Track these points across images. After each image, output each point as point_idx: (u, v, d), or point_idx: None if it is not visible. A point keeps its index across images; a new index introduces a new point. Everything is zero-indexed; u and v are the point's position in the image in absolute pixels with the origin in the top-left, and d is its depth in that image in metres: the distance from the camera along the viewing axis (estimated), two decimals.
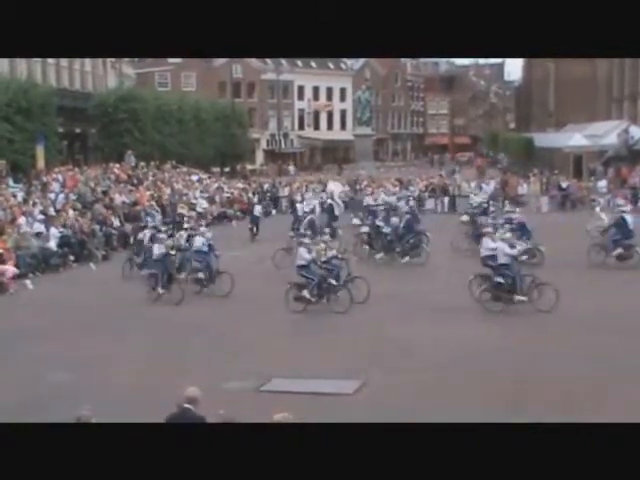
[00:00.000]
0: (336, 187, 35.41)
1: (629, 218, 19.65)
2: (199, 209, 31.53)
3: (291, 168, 62.93)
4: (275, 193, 37.61)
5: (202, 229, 19.81)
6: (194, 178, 37.43)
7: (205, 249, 18.13)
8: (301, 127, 74.76)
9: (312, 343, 13.64)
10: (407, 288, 17.57)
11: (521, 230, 19.43)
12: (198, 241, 18.34)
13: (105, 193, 28.28)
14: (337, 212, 27.82)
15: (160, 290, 17.16)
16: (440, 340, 13.49)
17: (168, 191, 31.84)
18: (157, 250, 17.59)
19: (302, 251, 16.02)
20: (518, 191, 34.63)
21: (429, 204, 35.06)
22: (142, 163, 35.12)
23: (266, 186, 39.20)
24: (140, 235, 20.83)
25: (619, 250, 19.27)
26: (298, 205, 26.92)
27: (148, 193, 29.97)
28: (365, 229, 22.88)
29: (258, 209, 28.52)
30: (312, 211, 25.90)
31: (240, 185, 38.74)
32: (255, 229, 26.97)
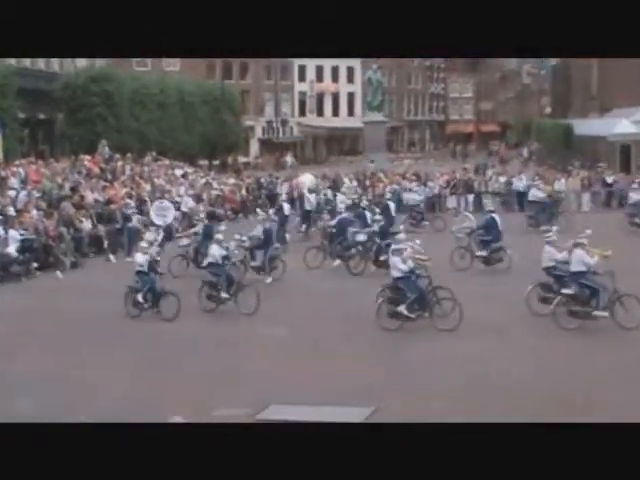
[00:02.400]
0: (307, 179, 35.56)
1: (499, 218, 21.11)
2: (184, 208, 31.47)
3: (289, 160, 62.90)
4: (272, 190, 37.60)
5: (220, 231, 19.37)
6: (178, 172, 37.38)
7: (220, 259, 17.80)
8: (302, 113, 74.79)
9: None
10: None
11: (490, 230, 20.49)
12: (214, 250, 17.96)
13: (74, 190, 28.24)
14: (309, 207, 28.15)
15: (224, 295, 17.29)
16: (466, 360, 13.49)
17: (148, 187, 31.82)
18: (216, 252, 17.59)
19: (396, 261, 15.91)
20: (555, 187, 34.50)
21: (451, 202, 35.02)
22: (117, 155, 35.08)
23: (262, 181, 39.21)
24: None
25: (483, 252, 20.72)
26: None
27: (125, 190, 29.93)
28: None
29: (287, 207, 28.28)
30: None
31: (232, 180, 38.74)
32: (283, 233, 25.87)
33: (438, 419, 9.64)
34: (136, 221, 26.58)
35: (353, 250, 21.91)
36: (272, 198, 36.24)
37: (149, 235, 19.84)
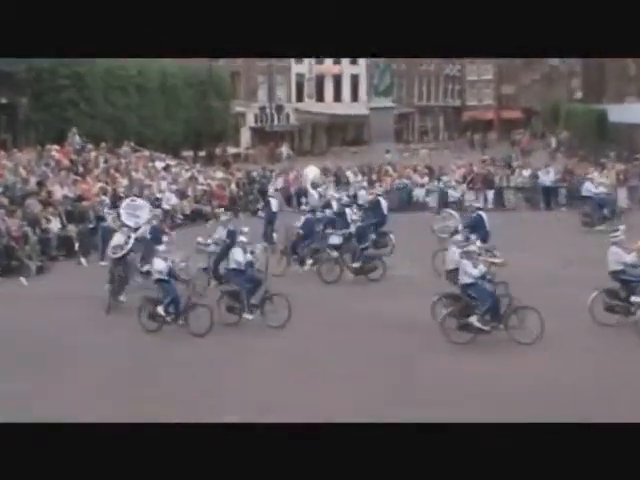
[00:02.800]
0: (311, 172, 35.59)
1: (486, 217, 21.49)
2: (166, 206, 31.52)
3: (285, 151, 62.93)
4: (265, 184, 37.64)
5: (242, 232, 19.01)
6: (159, 165, 37.44)
7: (242, 265, 17.60)
8: (300, 98, 74.81)
9: None
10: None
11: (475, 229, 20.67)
12: (237, 254, 17.79)
13: (41, 184, 28.27)
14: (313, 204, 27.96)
15: (248, 316, 17.11)
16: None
17: (125, 182, 31.86)
18: (240, 256, 17.50)
19: (467, 265, 15.86)
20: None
21: (469, 198, 35.10)
22: (90, 145, 35.15)
23: (254, 175, 39.25)
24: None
25: None
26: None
27: (98, 185, 29.98)
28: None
29: (275, 203, 28.20)
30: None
31: (220, 174, 38.81)
32: (270, 231, 26.46)
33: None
34: (111, 220, 26.55)
35: (324, 254, 21.90)
36: (265, 194, 36.28)
37: (118, 237, 19.61)
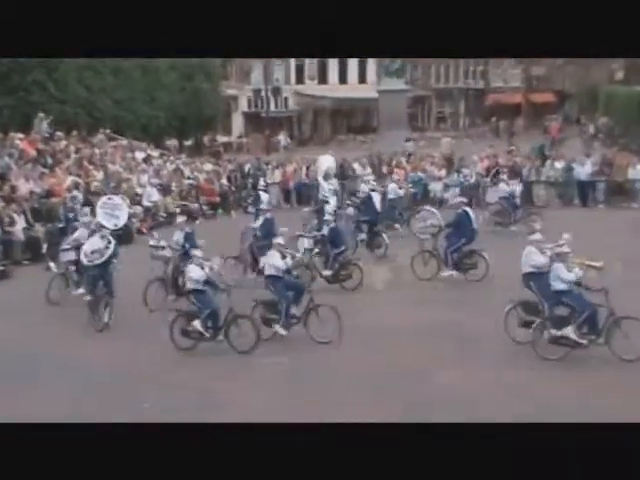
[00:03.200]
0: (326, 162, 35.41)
1: (472, 214, 21.83)
2: (147, 202, 31.46)
3: (282, 139, 62.88)
4: (261, 178, 37.56)
5: (281, 232, 18.93)
6: (139, 156, 37.42)
7: (280, 272, 17.47)
8: (300, 80, 74.84)
9: None
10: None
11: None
12: (274, 258, 17.52)
13: (3, 178, 28.26)
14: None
15: (282, 330, 17.00)
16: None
17: (100, 176, 31.80)
18: (277, 261, 17.30)
19: (560, 268, 15.72)
20: (628, 174, 34.43)
21: (492, 195, 34.97)
22: (60, 133, 35.10)
23: (248, 167, 39.17)
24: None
25: (453, 258, 21.36)
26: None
27: (70, 179, 29.91)
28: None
29: (266, 198, 27.89)
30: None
31: (209, 166, 38.77)
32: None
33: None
34: (84, 219, 26.52)
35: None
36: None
37: (96, 241, 19.13)
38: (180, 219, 22.12)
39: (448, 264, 21.43)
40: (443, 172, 36.69)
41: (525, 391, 14.03)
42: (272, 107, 69.06)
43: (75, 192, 28.13)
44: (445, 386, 14.42)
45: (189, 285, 16.89)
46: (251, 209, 26.90)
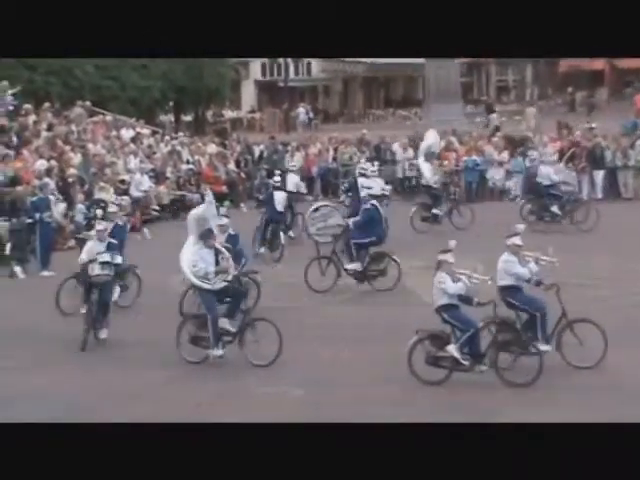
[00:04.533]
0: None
1: (381, 208, 22.46)
2: (136, 192, 31.49)
3: (302, 113, 62.64)
4: (276, 163, 37.57)
5: None
6: (126, 134, 37.51)
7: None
8: None
9: None
10: None
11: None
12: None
13: None
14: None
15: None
16: None
17: (78, 158, 31.87)
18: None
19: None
20: None
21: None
22: (28, 105, 35.23)
23: (261, 148, 39.20)
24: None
25: (356, 265, 21.70)
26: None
27: (40, 162, 29.99)
28: None
29: (281, 198, 27.75)
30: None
31: (212, 148, 38.81)
32: (272, 236, 26.32)
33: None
34: (57, 213, 26.62)
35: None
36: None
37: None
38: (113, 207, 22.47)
39: (353, 257, 21.67)
40: (505, 155, 36.52)
41: None
42: (292, 75, 69.04)
43: (46, 179, 28.16)
44: None
45: (441, 301, 16.58)
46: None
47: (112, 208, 22.67)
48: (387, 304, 20.51)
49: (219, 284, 17.33)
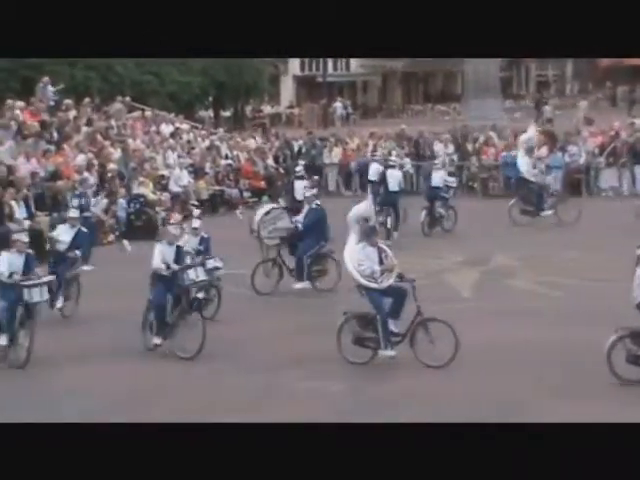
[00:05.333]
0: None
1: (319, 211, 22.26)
2: (175, 187, 31.57)
3: (339, 108, 62.53)
4: (315, 158, 37.59)
5: None
6: (166, 130, 37.58)
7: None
8: None
9: None
10: None
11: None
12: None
13: None
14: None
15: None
16: None
17: (117, 153, 31.96)
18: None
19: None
20: None
21: (607, 178, 34.79)
22: (68, 101, 35.32)
23: (300, 144, 39.17)
24: None
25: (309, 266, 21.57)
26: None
27: (80, 157, 30.09)
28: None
29: (301, 186, 28.02)
30: None
31: (251, 143, 38.85)
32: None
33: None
34: (98, 208, 26.72)
35: None
36: (315, 171, 35.96)
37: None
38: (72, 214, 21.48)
39: (303, 275, 21.61)
40: (544, 151, 36.30)
41: None
42: (330, 70, 69.03)
43: (86, 174, 28.25)
44: None
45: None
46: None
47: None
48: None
49: (386, 283, 16.84)
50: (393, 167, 28.48)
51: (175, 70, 46.93)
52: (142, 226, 28.07)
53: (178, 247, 17.94)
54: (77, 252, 19.93)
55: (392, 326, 16.80)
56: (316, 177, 31.21)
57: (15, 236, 17.81)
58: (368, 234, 17.11)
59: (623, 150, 35.24)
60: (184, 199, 31.24)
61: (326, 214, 22.18)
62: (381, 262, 16.92)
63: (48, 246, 21.48)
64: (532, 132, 33.05)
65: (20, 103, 33.25)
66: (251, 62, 53.51)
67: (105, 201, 28.07)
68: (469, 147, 37.59)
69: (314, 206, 22.36)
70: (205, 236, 20.27)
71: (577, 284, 21.14)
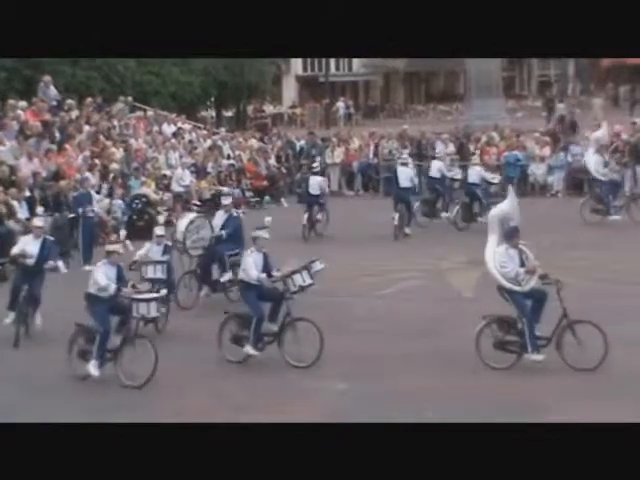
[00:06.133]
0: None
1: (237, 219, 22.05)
2: (177, 187, 31.58)
3: (341, 108, 62.51)
4: (315, 158, 37.52)
5: None
6: (168, 130, 37.58)
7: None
8: None
9: None
10: None
11: None
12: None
13: None
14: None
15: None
16: None
17: (120, 153, 31.97)
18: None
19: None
20: None
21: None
22: (70, 100, 35.31)
23: (302, 144, 39.16)
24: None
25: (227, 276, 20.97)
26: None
27: (82, 156, 30.09)
28: None
29: (316, 182, 28.12)
30: None
31: (253, 143, 38.88)
32: (311, 218, 27.02)
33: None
34: (100, 207, 26.68)
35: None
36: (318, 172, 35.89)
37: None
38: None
39: (226, 268, 21.17)
40: (547, 150, 36.33)
41: None
42: (332, 70, 68.97)
43: (87, 174, 28.15)
44: None
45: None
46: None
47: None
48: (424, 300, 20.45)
49: (529, 285, 16.50)
50: (405, 164, 28.50)
51: (177, 70, 46.84)
52: (144, 226, 28.02)
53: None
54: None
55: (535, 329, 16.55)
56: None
57: (110, 247, 17.25)
58: (510, 235, 16.75)
59: (626, 150, 35.21)
60: (186, 199, 31.25)
61: (242, 223, 21.94)
62: (522, 264, 16.53)
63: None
64: (604, 130, 32.88)
65: (22, 103, 33.24)
66: (253, 62, 53.44)
67: (107, 201, 28.07)
68: (471, 147, 37.54)
69: (234, 214, 22.13)
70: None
71: (582, 284, 21.13)
